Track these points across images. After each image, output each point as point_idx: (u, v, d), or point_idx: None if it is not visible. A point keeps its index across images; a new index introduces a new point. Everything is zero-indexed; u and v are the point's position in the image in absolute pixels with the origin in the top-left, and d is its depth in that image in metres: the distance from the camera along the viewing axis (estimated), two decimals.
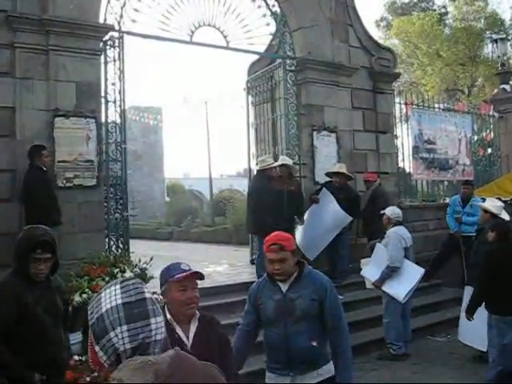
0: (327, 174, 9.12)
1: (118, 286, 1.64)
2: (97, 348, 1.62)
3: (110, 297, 1.63)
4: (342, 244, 8.77)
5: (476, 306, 5.99)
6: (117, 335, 1.58)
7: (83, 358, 4.86)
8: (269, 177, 8.17)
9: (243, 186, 28.19)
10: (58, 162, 7.05)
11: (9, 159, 6.88)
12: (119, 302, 1.60)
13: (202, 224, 22.35)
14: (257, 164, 8.72)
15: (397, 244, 7.05)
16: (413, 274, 7.13)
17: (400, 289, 7.03)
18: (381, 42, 20.21)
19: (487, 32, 26.20)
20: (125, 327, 1.58)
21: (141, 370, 1.56)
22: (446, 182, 13.07)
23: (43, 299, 3.49)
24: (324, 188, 8.88)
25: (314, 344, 3.51)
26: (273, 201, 7.88)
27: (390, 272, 7.03)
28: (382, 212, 7.55)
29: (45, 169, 6.65)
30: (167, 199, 31.57)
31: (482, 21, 26.92)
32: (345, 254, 8.82)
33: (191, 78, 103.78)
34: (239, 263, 10.63)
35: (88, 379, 4.44)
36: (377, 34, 24.77)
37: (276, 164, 8.26)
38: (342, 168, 9.01)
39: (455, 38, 26.24)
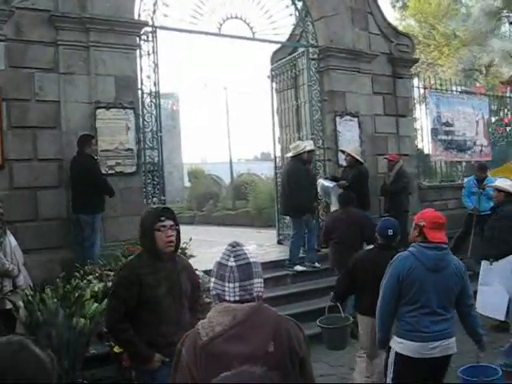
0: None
1: (230, 249, 2.19)
2: (212, 279, 2.20)
3: (227, 257, 2.18)
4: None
5: None
6: (229, 288, 2.13)
7: None
8: (304, 161, 8.79)
9: (261, 169, 28.69)
10: (101, 150, 7.57)
11: (56, 149, 7.41)
12: (233, 264, 2.14)
13: (224, 208, 22.87)
14: (290, 150, 9.14)
15: None
16: None
17: None
18: (397, 23, 20.47)
19: (504, 11, 26.18)
20: (237, 284, 2.13)
21: (224, 313, 2.13)
22: (463, 163, 13.41)
23: (167, 280, 3.50)
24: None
25: None
26: (309, 183, 8.68)
27: None
28: None
29: (95, 157, 7.19)
30: (187, 184, 32.03)
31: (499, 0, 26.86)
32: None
33: (215, 68, 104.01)
34: (266, 243, 11.14)
35: None
36: (393, 15, 24.94)
37: (308, 148, 8.86)
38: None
39: (471, 17, 26.25)
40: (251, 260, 2.18)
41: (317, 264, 8.89)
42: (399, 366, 4.10)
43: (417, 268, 4.00)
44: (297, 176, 8.66)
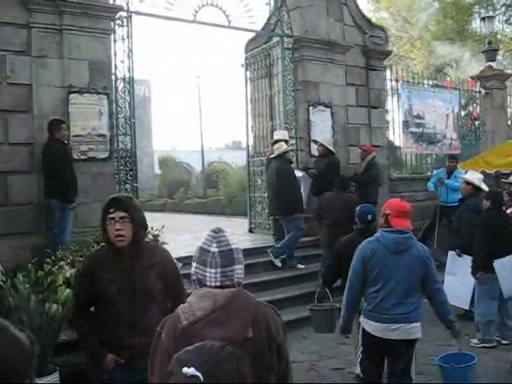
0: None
1: (212, 235, 2.21)
2: (194, 264, 2.21)
3: (209, 242, 2.19)
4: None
5: (479, 268, 6.61)
6: (211, 273, 2.16)
7: None
8: (288, 160, 8.97)
9: (232, 158, 28.68)
10: (73, 136, 7.49)
11: (27, 134, 7.29)
12: (216, 249, 2.16)
13: (195, 196, 22.85)
14: (273, 148, 9.11)
15: None
16: None
17: None
18: (370, 15, 20.55)
19: (476, 7, 26.55)
20: (219, 269, 2.15)
21: (205, 298, 2.15)
22: (433, 156, 13.64)
23: (121, 277, 3.20)
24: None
25: None
26: (296, 181, 8.85)
27: None
28: None
29: (66, 142, 7.12)
30: (158, 172, 31.85)
31: None
32: None
33: (189, 55, 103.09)
34: (238, 232, 11.18)
35: None
36: (366, 7, 25.05)
37: (290, 148, 9.15)
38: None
39: (444, 11, 26.56)
40: (233, 246, 2.21)
41: (300, 265, 8.81)
42: (366, 343, 4.37)
43: (379, 251, 4.25)
44: (287, 175, 8.70)
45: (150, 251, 3.39)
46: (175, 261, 3.74)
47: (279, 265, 8.70)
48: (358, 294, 4.36)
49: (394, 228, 4.32)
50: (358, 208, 5.65)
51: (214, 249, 2.17)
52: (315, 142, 9.72)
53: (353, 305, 4.41)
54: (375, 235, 4.44)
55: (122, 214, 3.19)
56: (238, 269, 2.21)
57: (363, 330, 4.36)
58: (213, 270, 2.16)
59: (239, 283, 2.23)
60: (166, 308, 3.17)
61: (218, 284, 2.16)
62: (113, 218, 3.19)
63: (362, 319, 4.37)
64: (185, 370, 1.38)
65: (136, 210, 3.27)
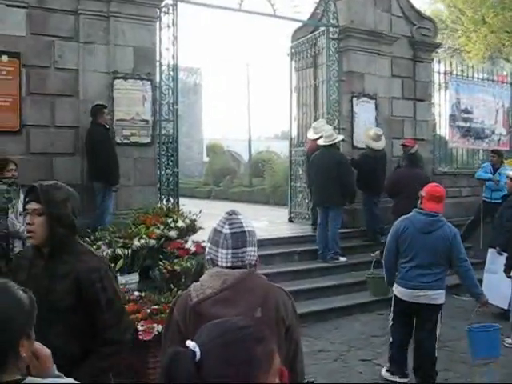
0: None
1: (226, 216, 2.26)
2: (207, 244, 2.29)
3: (222, 224, 2.25)
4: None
5: None
6: (222, 254, 2.21)
7: (142, 294, 5.54)
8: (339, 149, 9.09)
9: (281, 147, 28.67)
10: (117, 120, 7.69)
11: (73, 117, 7.53)
12: (228, 231, 2.22)
13: (241, 184, 22.97)
14: (314, 133, 9.18)
15: None
16: None
17: None
18: (425, 7, 20.21)
19: None
20: (230, 251, 2.21)
21: (215, 277, 2.22)
22: (481, 151, 13.31)
23: (32, 282, 2.46)
24: None
25: None
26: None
27: None
28: None
29: (107, 126, 7.32)
30: (206, 159, 32.15)
31: None
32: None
33: (236, 44, 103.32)
34: (277, 221, 11.24)
35: (148, 311, 5.11)
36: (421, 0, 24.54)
37: (341, 138, 9.11)
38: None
39: (502, 4, 25.75)
40: (246, 229, 2.25)
41: (341, 258, 8.69)
42: (395, 306, 5.21)
43: (409, 228, 4.99)
44: (348, 164, 8.82)
45: (73, 257, 2.68)
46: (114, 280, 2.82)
47: (344, 259, 8.64)
48: (393, 261, 5.15)
49: (425, 210, 4.98)
50: None
51: (226, 230, 2.22)
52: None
53: (391, 267, 5.19)
54: (409, 214, 5.13)
55: (35, 206, 2.64)
56: (251, 251, 2.26)
57: (394, 296, 5.17)
58: (224, 251, 2.22)
59: (251, 265, 2.28)
60: (82, 333, 2.61)
61: (229, 265, 2.21)
62: (26, 210, 2.69)
63: (394, 286, 5.15)
64: (188, 342, 1.39)
65: (55, 202, 2.63)
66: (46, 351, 1.88)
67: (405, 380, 5.31)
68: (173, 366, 1.35)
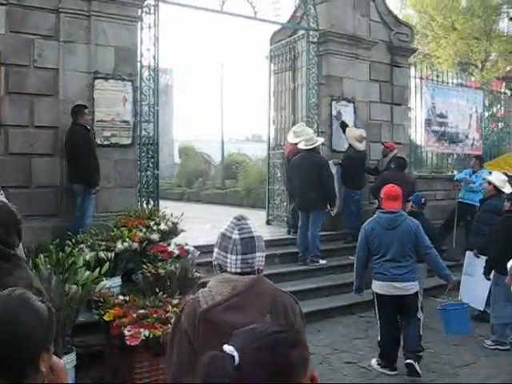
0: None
1: (235, 222, 2.24)
2: (215, 249, 2.26)
3: (231, 229, 2.22)
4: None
5: (491, 268, 6.55)
6: (231, 260, 2.19)
7: (127, 298, 5.47)
8: (319, 153, 9.02)
9: (252, 150, 28.68)
10: (97, 121, 7.57)
11: (52, 117, 7.38)
12: (237, 236, 2.19)
13: (213, 186, 22.91)
14: (294, 137, 9.14)
15: None
16: None
17: None
18: (396, 11, 20.38)
19: (504, 7, 26.20)
20: (239, 257, 2.19)
21: (224, 283, 2.20)
22: (454, 155, 13.54)
23: None
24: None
25: None
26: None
27: None
28: None
29: (88, 127, 7.20)
30: (177, 161, 31.96)
31: None
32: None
33: (213, 46, 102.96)
34: (256, 223, 11.14)
35: (134, 315, 5.04)
36: (393, 4, 24.79)
37: (321, 141, 9.04)
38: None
39: (471, 11, 26.23)
40: (255, 234, 2.23)
41: (321, 261, 8.70)
42: (378, 304, 5.64)
43: (377, 228, 5.57)
44: (328, 168, 8.83)
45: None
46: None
47: (324, 262, 8.67)
48: (363, 261, 5.69)
49: (385, 209, 5.62)
50: (414, 195, 7.61)
51: (235, 236, 2.20)
52: (344, 125, 9.98)
53: (361, 269, 5.73)
54: (374, 216, 5.78)
55: None
56: (259, 256, 2.24)
57: (375, 294, 5.61)
58: (233, 257, 2.19)
59: (260, 270, 2.26)
60: None
61: (239, 271, 2.19)
62: None
63: (372, 283, 5.59)
64: (225, 346, 1.38)
65: None
66: (61, 364, 1.83)
67: (394, 372, 5.62)
68: (212, 370, 1.33)
